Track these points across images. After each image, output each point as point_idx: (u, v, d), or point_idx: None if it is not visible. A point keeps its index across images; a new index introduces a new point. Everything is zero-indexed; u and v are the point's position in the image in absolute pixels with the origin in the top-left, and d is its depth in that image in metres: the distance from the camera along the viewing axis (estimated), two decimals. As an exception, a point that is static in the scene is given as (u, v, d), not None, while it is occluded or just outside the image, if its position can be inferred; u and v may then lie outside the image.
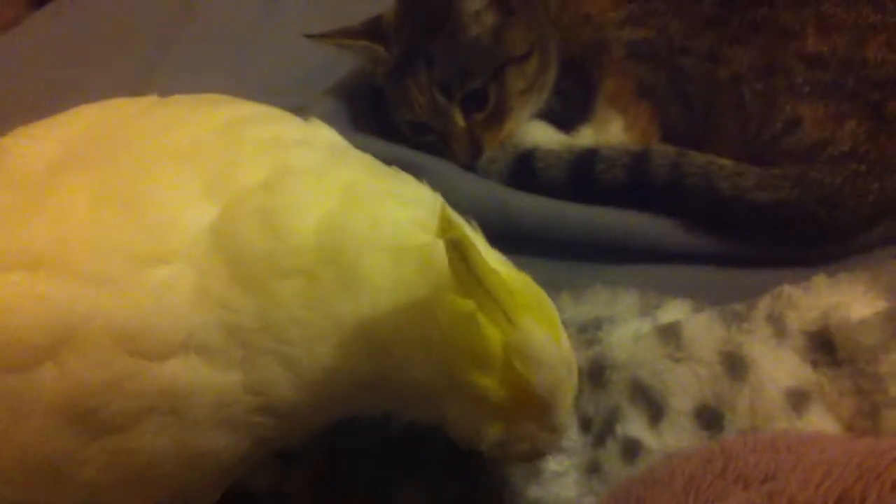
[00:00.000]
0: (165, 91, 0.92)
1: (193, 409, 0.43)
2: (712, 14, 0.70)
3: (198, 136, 0.48)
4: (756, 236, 0.68)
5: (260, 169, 0.45)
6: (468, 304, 0.39)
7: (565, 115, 0.79)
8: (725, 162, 0.69)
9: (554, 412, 0.42)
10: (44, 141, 0.49)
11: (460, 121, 0.74)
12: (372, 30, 0.78)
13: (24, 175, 0.47)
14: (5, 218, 0.45)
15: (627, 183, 0.71)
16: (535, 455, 0.44)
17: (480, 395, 0.40)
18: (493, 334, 0.39)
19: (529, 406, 0.41)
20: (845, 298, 0.52)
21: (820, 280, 0.55)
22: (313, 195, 0.45)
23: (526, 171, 0.74)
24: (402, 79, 0.75)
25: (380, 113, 0.80)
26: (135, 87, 0.96)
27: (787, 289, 0.55)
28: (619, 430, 0.55)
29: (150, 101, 0.54)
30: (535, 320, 0.40)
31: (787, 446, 0.40)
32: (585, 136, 0.76)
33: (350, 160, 0.50)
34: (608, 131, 0.75)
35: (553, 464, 0.55)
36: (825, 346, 0.51)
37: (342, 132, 0.76)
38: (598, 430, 0.56)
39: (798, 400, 0.50)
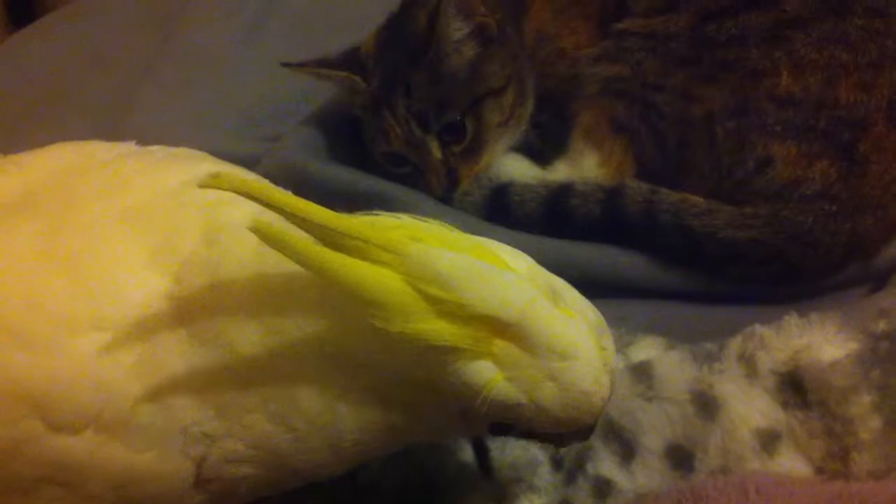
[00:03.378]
0: (143, 115, 0.93)
1: (88, 485, 0.42)
2: (685, 53, 0.71)
3: (148, 199, 0.47)
4: (728, 274, 0.69)
5: (198, 231, 0.44)
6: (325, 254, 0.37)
7: (542, 149, 0.79)
8: (698, 200, 0.69)
9: (532, 326, 0.38)
10: (10, 177, 0.49)
11: (437, 153, 0.74)
12: (350, 60, 0.78)
13: None
14: None
15: (601, 218, 0.71)
16: (568, 404, 0.39)
17: (433, 341, 0.37)
18: (381, 276, 0.37)
19: (489, 323, 0.38)
20: (816, 339, 0.52)
21: (791, 320, 0.55)
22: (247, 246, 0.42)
23: (501, 204, 0.74)
24: (379, 109, 0.75)
25: (356, 143, 0.80)
26: (112, 112, 0.95)
27: (759, 329, 0.55)
28: (591, 468, 0.54)
29: (122, 151, 0.52)
30: (432, 244, 0.38)
31: (756, 489, 0.40)
32: (560, 171, 0.76)
33: None
34: (583, 166, 0.75)
35: (524, 502, 0.55)
36: (796, 388, 0.50)
37: (318, 161, 0.77)
38: (569, 468, 0.55)
39: (769, 441, 0.50)
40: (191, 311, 0.42)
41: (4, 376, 0.41)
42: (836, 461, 0.48)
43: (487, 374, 0.38)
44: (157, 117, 0.93)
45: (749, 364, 0.53)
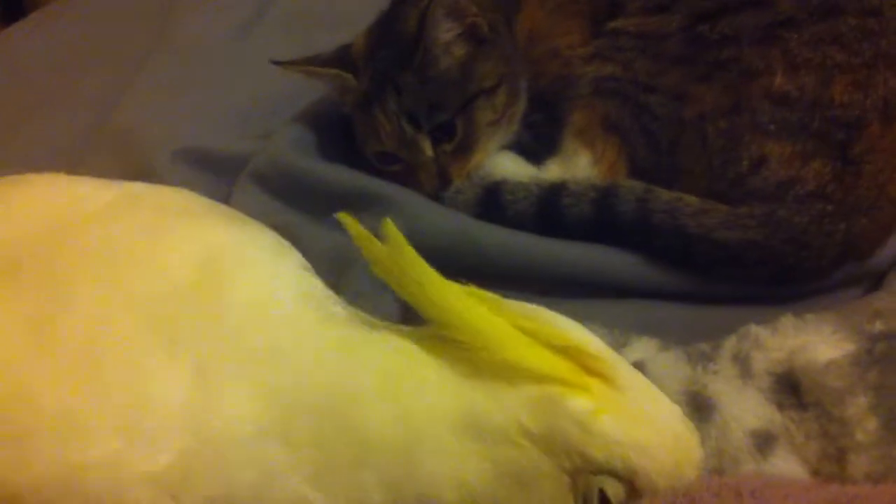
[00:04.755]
0: (134, 112, 0.92)
1: None
2: (678, 52, 0.70)
3: (158, 292, 0.43)
4: (723, 275, 0.68)
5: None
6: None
7: (534, 148, 0.78)
8: (692, 199, 0.68)
9: (613, 365, 0.40)
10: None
11: (428, 151, 0.73)
12: (341, 58, 0.77)
13: None
14: None
15: (594, 218, 0.70)
16: (667, 446, 0.39)
17: (538, 367, 0.39)
18: (490, 318, 0.40)
19: (584, 362, 0.40)
20: (812, 339, 0.52)
21: (787, 320, 0.55)
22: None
23: (493, 203, 0.73)
24: (370, 108, 0.74)
25: (347, 141, 0.79)
26: (103, 108, 0.95)
27: (754, 329, 0.55)
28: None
29: (110, 198, 0.48)
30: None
31: (751, 492, 0.39)
32: (553, 170, 0.76)
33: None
34: (575, 165, 0.74)
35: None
36: (791, 388, 0.50)
37: (308, 160, 0.76)
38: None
39: (763, 442, 0.49)
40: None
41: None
42: (832, 463, 0.47)
43: (590, 407, 0.39)
44: (149, 113, 0.92)
45: (744, 364, 0.52)
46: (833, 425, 0.47)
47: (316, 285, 0.49)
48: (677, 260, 0.69)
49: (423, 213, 0.72)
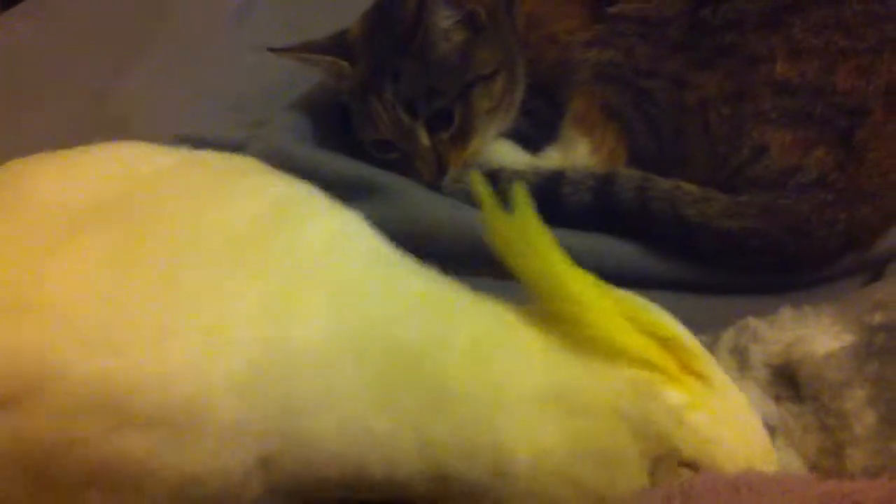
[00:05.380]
0: (130, 98, 0.92)
1: (148, 487, 0.40)
2: (680, 38, 0.69)
3: (234, 225, 0.45)
4: (722, 263, 0.67)
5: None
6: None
7: (533, 135, 0.77)
8: (692, 187, 0.67)
9: (706, 364, 0.41)
10: (61, 180, 0.47)
11: (425, 139, 0.72)
12: (337, 44, 0.76)
13: (37, 213, 0.44)
14: (9, 258, 0.42)
15: (593, 206, 0.69)
16: (748, 443, 0.41)
17: (636, 351, 0.40)
18: (599, 300, 0.41)
19: (679, 356, 0.41)
20: (810, 332, 0.51)
21: (785, 312, 0.54)
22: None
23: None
24: (367, 95, 0.73)
25: (344, 129, 0.78)
26: (99, 95, 0.94)
27: (753, 321, 0.54)
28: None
29: (178, 158, 0.51)
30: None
31: (748, 486, 0.39)
32: (552, 158, 0.75)
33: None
34: (574, 153, 0.73)
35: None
36: (789, 381, 0.49)
37: (304, 148, 0.75)
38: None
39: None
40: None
41: (74, 374, 0.39)
42: (829, 457, 0.46)
43: (684, 401, 0.40)
44: (144, 100, 0.92)
45: (742, 357, 0.52)
46: (831, 418, 0.47)
47: (388, 247, 0.50)
48: (677, 248, 0.68)
49: (420, 202, 0.71)
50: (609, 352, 0.41)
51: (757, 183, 0.66)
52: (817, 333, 0.50)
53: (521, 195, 0.42)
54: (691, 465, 0.40)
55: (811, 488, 0.38)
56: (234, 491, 0.42)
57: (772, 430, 0.47)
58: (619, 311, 0.42)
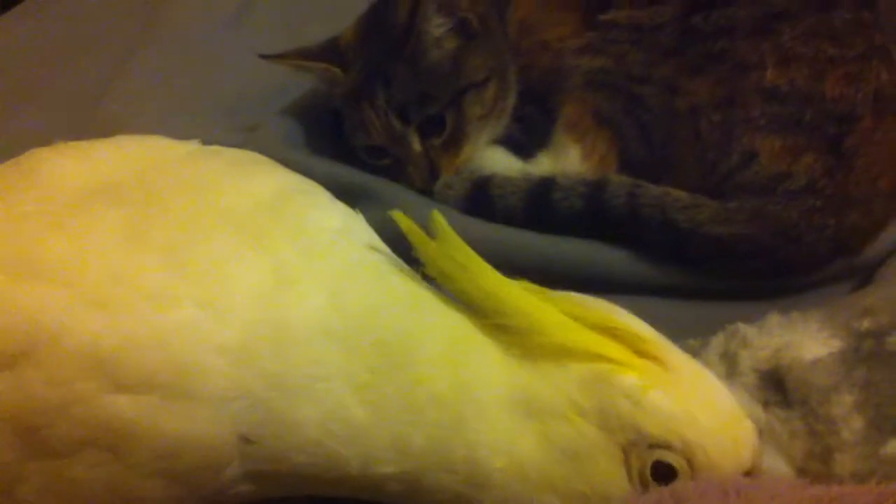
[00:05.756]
0: (122, 102, 0.91)
1: (135, 451, 0.41)
2: (671, 44, 0.70)
3: (243, 205, 0.47)
4: (712, 269, 0.68)
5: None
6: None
7: (525, 142, 0.78)
8: (681, 194, 0.68)
9: (660, 346, 0.41)
10: (79, 164, 0.48)
11: (417, 145, 0.73)
12: (329, 51, 0.76)
13: (53, 192, 0.46)
14: (18, 226, 0.44)
15: (584, 213, 0.69)
16: (723, 423, 0.41)
17: (589, 347, 0.41)
18: (539, 304, 0.42)
19: (631, 343, 0.41)
20: (799, 337, 0.51)
21: (774, 318, 0.54)
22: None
23: (482, 198, 0.73)
24: (360, 102, 0.73)
25: (336, 134, 0.78)
26: (91, 98, 0.94)
27: (742, 327, 0.54)
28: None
29: (190, 149, 0.53)
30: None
31: (736, 491, 0.39)
32: (543, 164, 0.75)
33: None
34: (566, 159, 0.74)
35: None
36: (777, 386, 0.49)
37: (297, 153, 0.75)
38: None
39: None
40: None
41: (59, 334, 0.40)
42: (817, 461, 0.47)
43: (639, 382, 0.40)
44: (136, 104, 0.91)
45: (731, 362, 0.52)
46: (819, 424, 0.47)
47: (383, 246, 0.51)
48: (667, 254, 0.68)
49: (412, 208, 0.71)
50: (558, 352, 0.41)
51: (746, 189, 0.67)
52: (805, 339, 0.51)
53: (438, 221, 0.44)
54: (662, 446, 0.40)
55: (800, 492, 0.38)
56: (215, 463, 0.42)
57: (759, 435, 0.48)
58: (561, 312, 0.42)
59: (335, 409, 0.42)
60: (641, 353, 0.41)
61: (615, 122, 0.73)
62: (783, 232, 0.65)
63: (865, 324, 0.54)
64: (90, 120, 0.90)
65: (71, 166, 0.48)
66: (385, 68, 0.72)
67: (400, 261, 0.50)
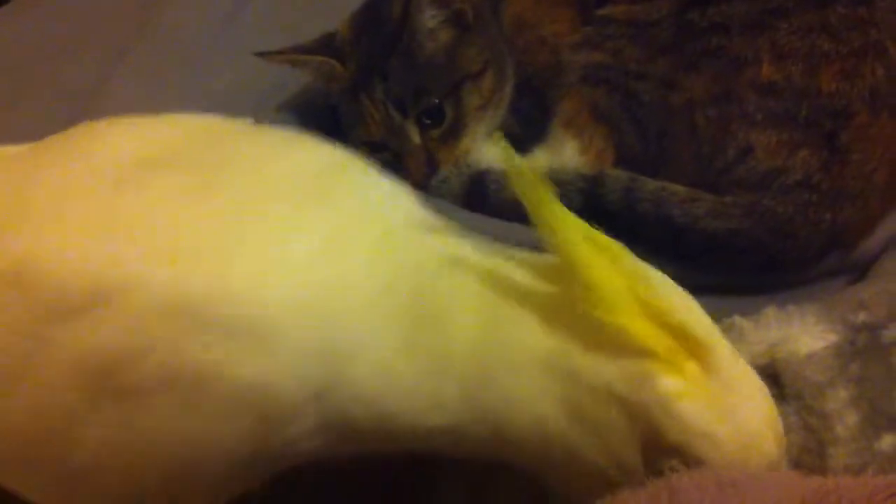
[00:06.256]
0: (116, 101, 0.91)
1: (211, 399, 0.41)
2: (667, 40, 0.70)
3: (299, 174, 0.47)
4: (708, 263, 0.68)
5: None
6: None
7: (522, 137, 0.78)
8: (678, 188, 0.68)
9: (721, 356, 0.40)
10: (134, 135, 0.48)
11: (416, 138, 0.73)
12: (325, 46, 0.77)
13: (110, 160, 0.46)
14: (80, 191, 0.44)
15: (582, 207, 0.70)
16: (742, 444, 0.40)
17: (638, 338, 0.39)
18: (609, 272, 0.40)
19: (685, 341, 0.40)
20: (794, 332, 0.51)
21: (770, 312, 0.54)
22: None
23: (479, 192, 0.73)
24: (358, 95, 0.73)
25: (332, 130, 0.78)
26: (85, 97, 0.94)
27: (738, 321, 0.54)
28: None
29: (242, 126, 0.53)
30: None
31: (732, 483, 0.39)
32: (540, 159, 0.75)
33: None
34: (563, 154, 0.74)
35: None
36: (773, 381, 0.50)
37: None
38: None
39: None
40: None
41: (146, 285, 0.41)
42: (812, 456, 0.47)
43: (678, 388, 0.39)
44: (130, 103, 0.90)
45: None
46: (813, 418, 0.47)
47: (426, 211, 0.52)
48: (664, 249, 0.68)
49: None
50: (613, 334, 0.40)
51: (742, 184, 0.67)
52: (801, 333, 0.51)
53: (525, 169, 0.43)
54: (676, 453, 0.40)
55: (796, 485, 0.38)
56: (292, 412, 0.42)
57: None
58: (630, 291, 0.40)
59: (385, 366, 0.43)
60: (691, 352, 0.41)
61: (612, 118, 0.73)
62: (779, 227, 0.66)
63: (861, 317, 0.54)
64: (85, 117, 0.90)
65: (126, 137, 0.48)
66: (382, 61, 0.72)
67: (443, 224, 0.50)
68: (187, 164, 0.46)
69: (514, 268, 0.45)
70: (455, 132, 0.74)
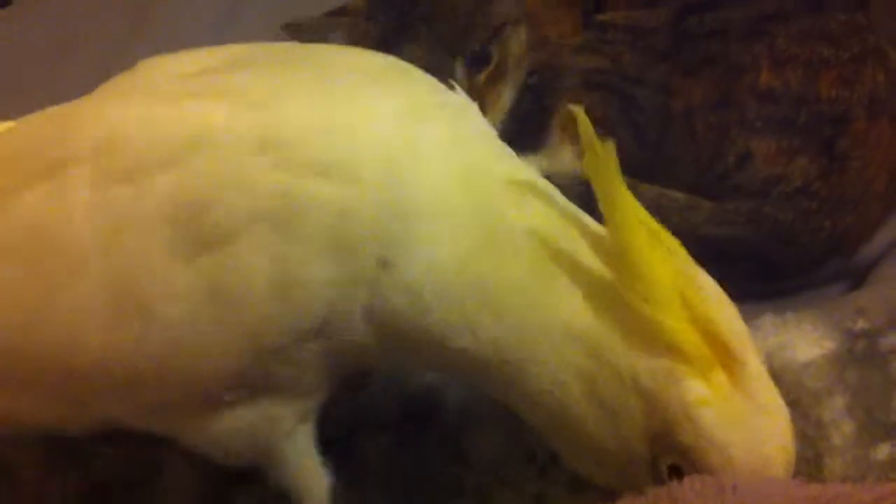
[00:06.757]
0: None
1: (303, 222, 0.41)
2: (666, 47, 0.70)
3: (366, 63, 0.49)
4: (707, 271, 0.68)
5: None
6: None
7: (519, 140, 0.77)
8: (678, 195, 0.68)
9: (751, 373, 0.40)
10: (194, 55, 0.49)
11: (464, 83, 0.71)
12: (344, 13, 0.76)
13: (181, 70, 0.47)
14: (159, 85, 0.46)
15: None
16: (751, 462, 0.39)
17: (674, 338, 0.39)
18: (661, 265, 0.39)
19: (719, 350, 0.39)
20: (792, 339, 0.51)
21: (767, 319, 0.54)
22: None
23: None
24: (399, 45, 0.71)
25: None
26: (83, 95, 0.93)
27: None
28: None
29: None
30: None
31: (733, 488, 0.39)
32: (538, 163, 0.75)
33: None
34: (560, 158, 0.74)
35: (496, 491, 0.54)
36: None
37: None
38: (543, 461, 0.54)
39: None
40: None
41: (237, 124, 0.42)
42: (809, 465, 0.47)
43: (703, 395, 0.39)
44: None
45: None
46: (810, 428, 0.47)
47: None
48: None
49: None
50: (650, 327, 0.40)
51: (741, 190, 0.67)
52: (798, 340, 0.51)
53: (599, 146, 0.42)
54: (685, 455, 0.40)
55: (797, 492, 0.38)
56: (373, 243, 0.42)
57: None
58: (676, 289, 0.40)
59: (436, 264, 0.43)
60: (724, 366, 0.40)
61: (610, 123, 0.73)
62: (779, 234, 0.66)
63: (860, 324, 0.54)
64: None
65: (187, 57, 0.49)
66: (422, 8, 0.71)
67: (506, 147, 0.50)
68: (259, 63, 0.48)
69: (577, 233, 0.44)
70: (500, 76, 0.73)
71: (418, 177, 0.43)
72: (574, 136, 0.74)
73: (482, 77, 0.72)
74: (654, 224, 0.42)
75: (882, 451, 0.46)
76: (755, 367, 0.40)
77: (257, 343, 0.42)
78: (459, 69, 0.71)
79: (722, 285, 0.67)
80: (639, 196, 0.66)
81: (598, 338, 0.41)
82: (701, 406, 0.39)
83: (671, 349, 0.40)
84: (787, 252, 0.66)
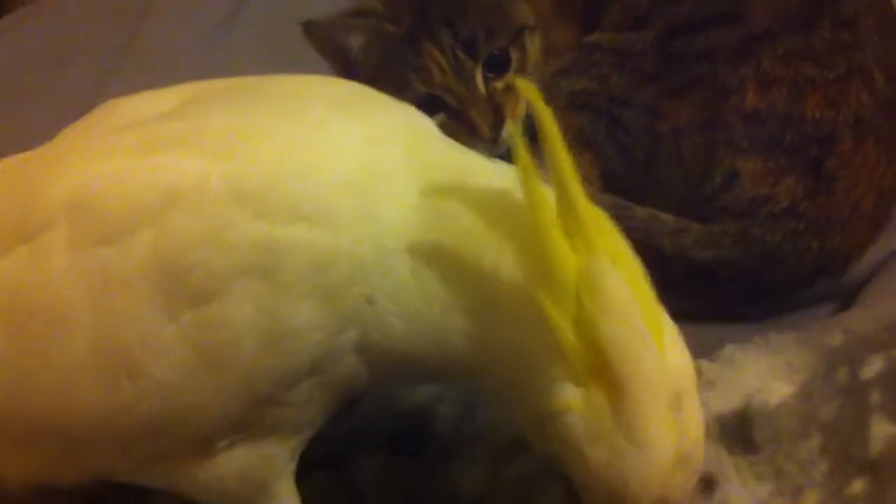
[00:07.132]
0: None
1: (288, 269, 0.41)
2: (653, 69, 0.70)
3: (329, 91, 0.49)
4: (695, 292, 0.68)
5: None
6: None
7: (508, 161, 0.77)
8: (668, 217, 0.68)
9: (629, 396, 0.37)
10: (154, 96, 0.49)
11: (482, 86, 0.72)
12: (361, 13, 0.76)
13: (143, 113, 0.47)
14: (123, 132, 0.45)
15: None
16: (604, 488, 0.38)
17: (555, 333, 0.38)
18: (567, 255, 0.39)
19: (600, 367, 0.38)
20: (764, 377, 0.51)
21: (739, 355, 0.54)
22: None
23: None
24: (420, 45, 0.72)
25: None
26: (76, 110, 0.93)
27: (703, 365, 0.53)
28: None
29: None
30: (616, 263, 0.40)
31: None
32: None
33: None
34: (548, 177, 0.74)
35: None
36: (741, 431, 0.50)
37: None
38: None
39: (706, 486, 0.48)
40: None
41: (201, 178, 0.42)
42: (785, 499, 0.47)
43: (572, 399, 0.38)
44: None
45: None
46: (787, 465, 0.47)
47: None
48: (651, 277, 0.68)
49: None
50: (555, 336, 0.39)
51: (729, 210, 0.67)
52: (771, 380, 0.51)
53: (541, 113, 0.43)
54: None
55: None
56: (360, 279, 0.43)
57: (716, 483, 0.47)
58: (576, 287, 0.39)
59: (406, 289, 0.43)
60: (605, 382, 0.38)
61: (597, 144, 0.73)
62: (767, 255, 0.66)
63: (843, 350, 0.54)
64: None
65: (148, 98, 0.49)
66: (443, 9, 0.72)
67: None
68: (219, 101, 0.47)
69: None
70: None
71: (386, 210, 0.43)
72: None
73: (500, 84, 0.72)
74: (614, 236, 0.42)
75: (856, 487, 0.47)
76: (643, 399, 0.38)
77: (251, 394, 0.43)
78: (479, 74, 0.72)
79: (711, 306, 0.68)
80: (631, 218, 0.68)
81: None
82: (568, 410, 0.39)
83: (566, 365, 0.39)
84: (776, 273, 0.66)
